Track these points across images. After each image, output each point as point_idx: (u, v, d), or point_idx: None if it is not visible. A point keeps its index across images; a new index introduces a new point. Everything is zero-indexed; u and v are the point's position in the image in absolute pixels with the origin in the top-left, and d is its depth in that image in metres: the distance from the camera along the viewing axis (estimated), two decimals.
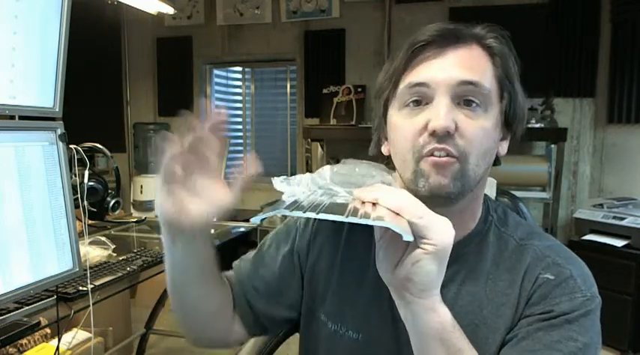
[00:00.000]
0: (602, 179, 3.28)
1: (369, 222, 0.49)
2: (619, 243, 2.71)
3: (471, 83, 0.63)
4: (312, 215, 0.49)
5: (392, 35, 3.60)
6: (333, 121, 3.59)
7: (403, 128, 0.66)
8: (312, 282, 0.79)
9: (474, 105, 0.63)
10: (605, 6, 3.14)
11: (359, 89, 3.59)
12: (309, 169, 3.45)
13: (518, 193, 1.07)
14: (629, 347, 2.66)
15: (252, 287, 0.79)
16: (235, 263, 0.85)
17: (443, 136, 0.61)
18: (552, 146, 3.06)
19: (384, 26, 3.60)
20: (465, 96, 0.63)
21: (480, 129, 0.63)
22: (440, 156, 0.62)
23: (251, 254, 0.85)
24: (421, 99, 0.64)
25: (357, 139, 3.67)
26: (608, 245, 2.73)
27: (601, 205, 2.92)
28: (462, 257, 0.69)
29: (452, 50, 0.65)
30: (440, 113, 0.61)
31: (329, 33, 3.72)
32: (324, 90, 3.65)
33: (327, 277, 0.78)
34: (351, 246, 0.77)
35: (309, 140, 3.53)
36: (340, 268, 0.77)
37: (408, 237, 0.50)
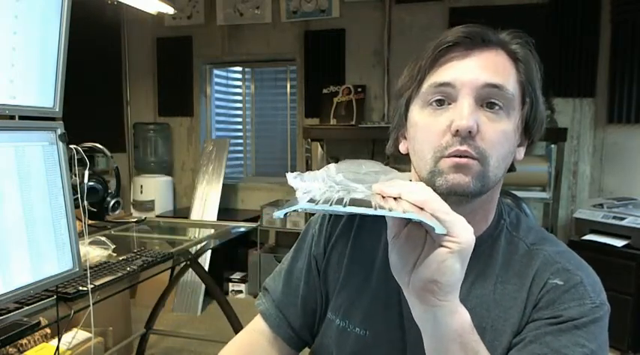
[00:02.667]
0: (602, 179, 3.28)
1: (400, 215, 0.48)
2: (619, 243, 2.71)
3: (495, 86, 0.63)
4: (339, 208, 0.48)
5: (392, 35, 3.60)
6: (333, 121, 3.59)
7: (425, 127, 0.66)
8: (325, 282, 0.80)
9: (496, 107, 0.64)
10: (605, 6, 3.14)
11: (359, 89, 3.59)
12: (309, 169, 3.44)
13: (518, 193, 1.06)
14: (629, 347, 2.66)
15: (291, 308, 0.82)
16: (269, 284, 0.87)
17: (465, 137, 0.62)
18: (552, 146, 3.06)
19: (384, 26, 3.60)
20: (488, 99, 0.63)
21: (501, 132, 0.64)
22: (460, 158, 0.62)
23: (281, 273, 0.86)
24: (445, 99, 0.65)
25: (357, 139, 3.70)
26: (608, 245, 2.73)
27: (601, 205, 2.92)
28: (473, 259, 0.69)
29: (477, 52, 0.65)
30: (463, 113, 0.62)
31: (329, 33, 3.72)
32: (324, 91, 3.65)
33: (335, 275, 0.78)
34: (358, 244, 0.77)
35: (309, 140, 3.53)
36: (347, 266, 0.77)
37: (441, 229, 0.49)
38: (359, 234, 0.78)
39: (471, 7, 3.36)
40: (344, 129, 3.51)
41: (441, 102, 0.65)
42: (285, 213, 0.50)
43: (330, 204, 0.48)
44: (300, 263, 0.83)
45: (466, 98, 0.63)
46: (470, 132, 0.61)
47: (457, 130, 0.61)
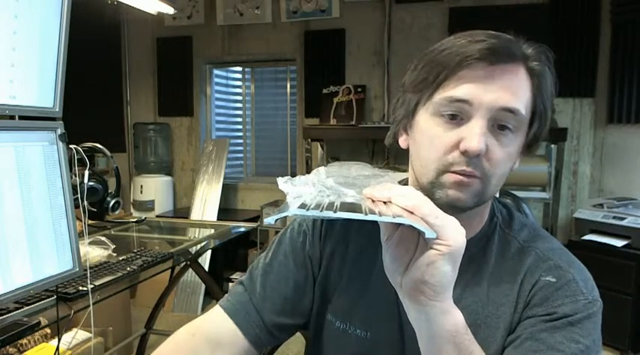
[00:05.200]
0: (602, 179, 3.28)
1: (390, 220, 0.48)
2: (619, 243, 2.71)
3: (511, 111, 0.62)
4: (329, 214, 0.48)
5: (392, 35, 3.60)
6: (333, 121, 3.59)
7: (433, 137, 0.65)
8: (324, 286, 0.79)
9: (506, 130, 0.64)
10: (605, 6, 3.14)
11: (359, 89, 3.59)
12: (309, 169, 3.45)
13: (518, 193, 1.07)
14: (629, 347, 2.66)
15: (269, 304, 0.78)
16: (245, 282, 0.81)
17: (472, 158, 0.62)
18: (552, 146, 3.06)
19: (384, 26, 3.60)
20: (501, 121, 0.63)
21: (506, 154, 0.64)
22: (464, 176, 0.63)
23: (257, 273, 0.80)
24: (458, 114, 0.63)
25: (357, 139, 3.70)
26: (608, 245, 2.73)
27: (601, 205, 2.92)
28: (468, 258, 0.70)
29: (500, 70, 0.63)
30: (475, 136, 0.61)
31: (329, 33, 3.72)
32: (324, 91, 3.64)
33: (336, 278, 0.78)
34: (358, 246, 0.77)
35: (309, 140, 3.53)
36: (349, 268, 0.77)
37: (430, 234, 0.49)
38: (359, 237, 0.77)
39: (471, 7, 3.36)
40: (344, 129, 3.51)
41: (453, 116, 0.64)
42: (276, 219, 0.49)
43: (321, 210, 0.48)
44: (284, 260, 0.80)
45: (480, 119, 0.62)
46: (478, 155, 0.61)
47: (466, 151, 0.61)
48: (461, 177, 0.62)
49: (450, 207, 0.63)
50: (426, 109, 0.66)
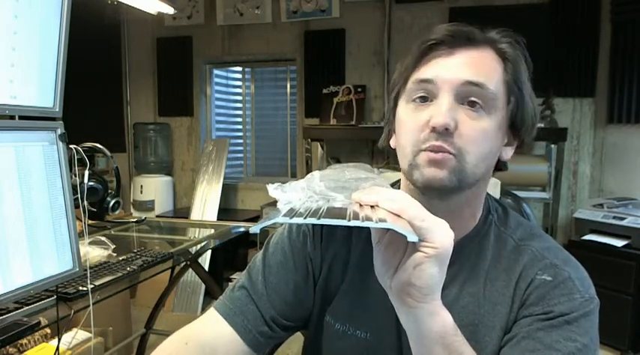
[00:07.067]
0: (602, 179, 3.28)
1: (372, 225, 0.49)
2: (619, 243, 2.71)
3: (476, 84, 0.64)
4: (312, 221, 0.48)
5: (392, 35, 3.60)
6: (333, 121, 3.59)
7: (407, 122, 0.67)
8: (325, 289, 0.78)
9: (477, 106, 0.64)
10: (605, 6, 3.14)
11: (359, 89, 3.59)
12: (309, 169, 3.45)
13: (518, 193, 1.07)
14: (629, 347, 2.66)
15: (271, 306, 0.76)
16: (242, 286, 0.78)
17: (442, 133, 0.63)
18: (552, 146, 3.06)
19: (384, 26, 3.60)
20: (468, 97, 0.64)
21: (480, 130, 0.64)
22: (436, 153, 0.63)
23: (257, 273, 0.78)
24: (427, 96, 0.66)
25: (357, 139, 3.71)
26: (608, 245, 2.73)
27: (601, 205, 2.92)
28: (463, 257, 0.70)
29: (462, 50, 0.66)
30: (441, 110, 0.63)
31: (329, 33, 3.72)
32: (324, 91, 3.65)
33: (337, 281, 0.77)
34: (359, 249, 0.76)
35: (309, 140, 3.53)
36: (350, 271, 0.76)
37: (413, 238, 0.49)
38: (359, 240, 0.77)
39: (470, 7, 3.36)
40: (344, 129, 3.51)
41: (424, 99, 0.66)
42: (262, 228, 0.49)
43: (305, 217, 0.48)
44: (283, 260, 0.78)
45: (445, 95, 0.64)
46: (447, 128, 0.62)
47: (434, 127, 0.63)
48: (432, 154, 0.63)
49: (430, 188, 0.64)
50: (402, 100, 0.70)
